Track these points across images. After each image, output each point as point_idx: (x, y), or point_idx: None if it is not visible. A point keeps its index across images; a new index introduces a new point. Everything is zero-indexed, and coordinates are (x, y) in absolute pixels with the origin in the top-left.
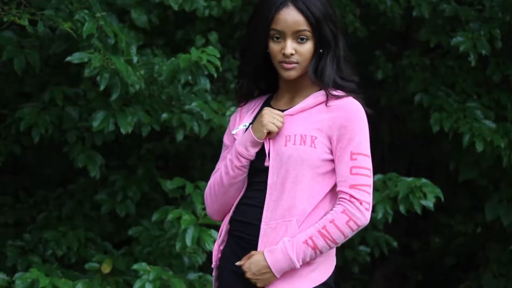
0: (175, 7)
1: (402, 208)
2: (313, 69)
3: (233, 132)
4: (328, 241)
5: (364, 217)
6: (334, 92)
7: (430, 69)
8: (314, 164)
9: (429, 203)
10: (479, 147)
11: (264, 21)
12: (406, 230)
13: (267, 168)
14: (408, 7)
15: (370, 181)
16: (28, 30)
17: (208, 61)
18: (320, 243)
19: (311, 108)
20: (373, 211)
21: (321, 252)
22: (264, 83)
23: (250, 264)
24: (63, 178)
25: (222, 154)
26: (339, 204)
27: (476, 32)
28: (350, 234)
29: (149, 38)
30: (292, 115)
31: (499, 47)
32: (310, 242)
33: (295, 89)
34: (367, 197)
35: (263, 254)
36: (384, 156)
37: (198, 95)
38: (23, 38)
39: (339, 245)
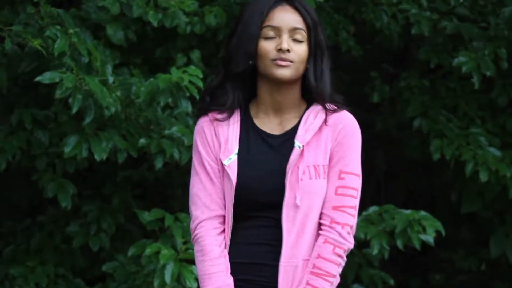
0: (155, 23)
1: (399, 243)
2: (314, 76)
3: (225, 163)
4: (326, 277)
5: (347, 241)
6: (328, 107)
7: (430, 92)
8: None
9: (429, 237)
10: (483, 176)
11: (256, 18)
12: (404, 267)
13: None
14: (406, 25)
15: (355, 202)
16: None
17: (190, 81)
18: (320, 283)
19: (319, 128)
20: (368, 246)
21: None
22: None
23: None
24: (32, 208)
25: (199, 169)
26: (320, 234)
27: (480, 51)
28: (342, 260)
29: (126, 57)
30: (305, 145)
31: (505, 68)
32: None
33: (281, 105)
34: (350, 220)
35: None
36: (380, 186)
37: (179, 119)
38: None
39: (339, 274)
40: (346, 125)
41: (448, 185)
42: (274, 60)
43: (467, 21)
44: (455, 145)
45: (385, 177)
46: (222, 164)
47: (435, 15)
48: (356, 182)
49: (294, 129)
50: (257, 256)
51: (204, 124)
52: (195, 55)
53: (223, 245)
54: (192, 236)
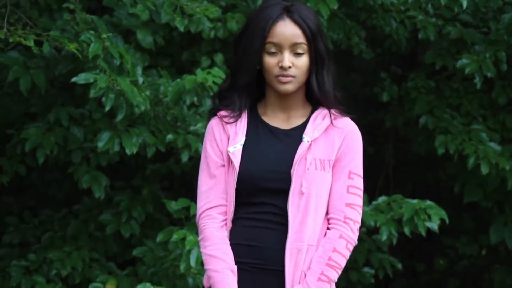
0: (181, 29)
1: (406, 230)
2: (316, 84)
3: (230, 149)
4: (338, 270)
5: (356, 237)
6: (334, 112)
7: (435, 92)
8: (329, 189)
9: (434, 225)
10: (484, 169)
11: (259, 33)
12: (411, 252)
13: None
14: (413, 30)
15: (362, 201)
16: (33, 50)
17: (214, 82)
18: (333, 274)
19: (326, 129)
20: (378, 233)
21: (334, 282)
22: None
23: None
24: (68, 199)
25: (203, 166)
26: (334, 228)
27: (482, 54)
28: (349, 254)
29: (154, 59)
30: (313, 141)
31: (504, 70)
32: (324, 277)
33: (288, 106)
34: (359, 217)
35: None
36: (389, 178)
37: (203, 116)
38: (28, 58)
39: None
40: (353, 130)
41: (452, 177)
42: (277, 76)
43: (470, 26)
44: (458, 141)
45: (393, 170)
46: (229, 156)
47: (440, 21)
48: (362, 183)
49: (302, 126)
50: (260, 239)
51: (213, 123)
52: (219, 58)
53: (224, 233)
54: (198, 227)
